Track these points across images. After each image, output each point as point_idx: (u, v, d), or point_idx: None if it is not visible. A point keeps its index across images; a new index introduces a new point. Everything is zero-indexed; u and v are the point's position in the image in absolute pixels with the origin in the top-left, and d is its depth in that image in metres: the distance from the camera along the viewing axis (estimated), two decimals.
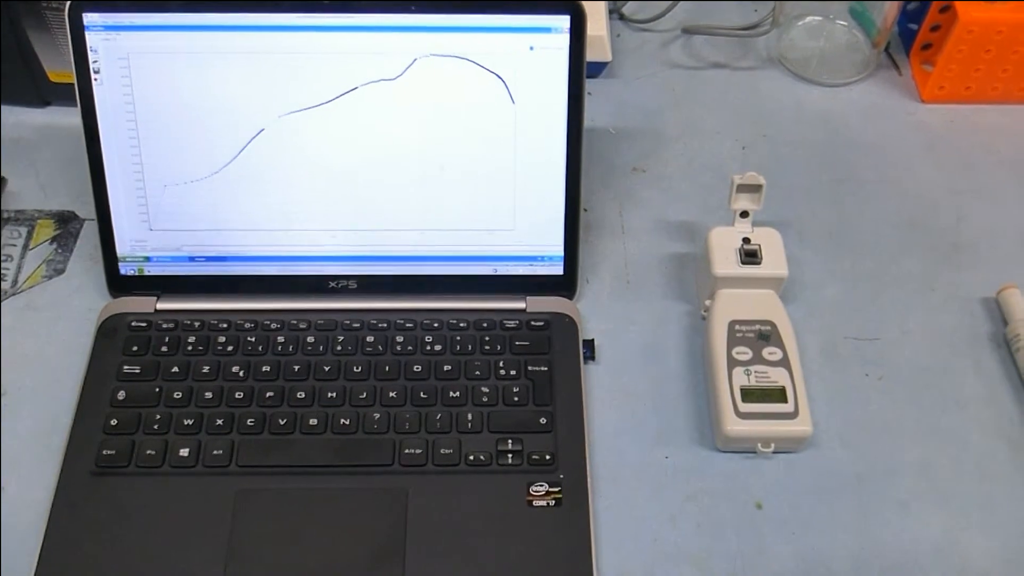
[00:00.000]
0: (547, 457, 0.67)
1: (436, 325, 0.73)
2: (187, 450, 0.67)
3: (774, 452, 0.69)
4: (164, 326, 0.73)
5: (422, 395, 0.70)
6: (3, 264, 0.78)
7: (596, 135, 0.89)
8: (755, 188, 0.73)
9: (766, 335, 0.71)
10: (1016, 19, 0.86)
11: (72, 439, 0.68)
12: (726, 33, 0.97)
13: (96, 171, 0.72)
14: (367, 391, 0.70)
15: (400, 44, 0.69)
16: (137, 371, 0.71)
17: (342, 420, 0.68)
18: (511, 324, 0.73)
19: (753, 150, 0.89)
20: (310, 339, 0.72)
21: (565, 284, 0.76)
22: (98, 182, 0.72)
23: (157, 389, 0.70)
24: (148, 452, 0.67)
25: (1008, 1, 0.86)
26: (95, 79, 0.70)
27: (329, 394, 0.70)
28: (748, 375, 0.69)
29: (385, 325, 0.73)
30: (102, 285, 0.75)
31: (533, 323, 0.74)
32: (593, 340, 0.74)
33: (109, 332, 0.73)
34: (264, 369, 0.71)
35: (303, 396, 0.70)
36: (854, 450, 0.70)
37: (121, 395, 0.69)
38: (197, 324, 0.73)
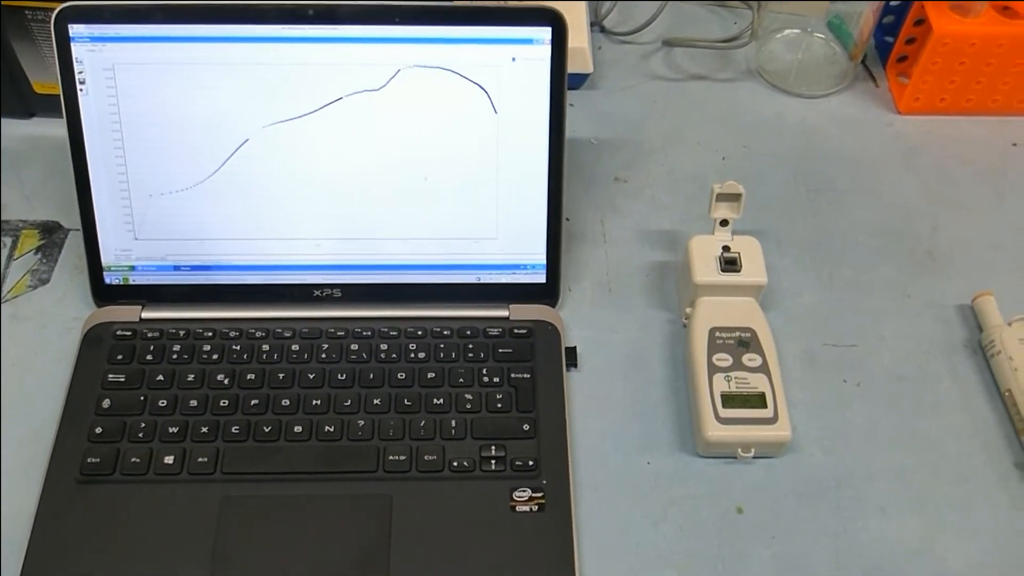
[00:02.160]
0: (530, 463, 0.68)
1: (420, 333, 0.74)
2: (172, 458, 0.67)
3: (754, 457, 0.70)
4: (149, 335, 0.73)
5: (406, 402, 0.70)
6: None
7: (578, 146, 0.90)
8: (735, 197, 0.74)
9: (746, 342, 0.72)
10: (988, 32, 0.87)
11: (57, 447, 0.68)
12: (706, 45, 0.98)
13: (81, 181, 0.72)
14: (351, 398, 0.70)
15: (384, 55, 0.70)
16: (122, 379, 0.71)
17: (327, 427, 0.69)
18: (494, 332, 0.74)
19: (733, 160, 0.90)
20: (295, 347, 0.73)
21: (548, 292, 0.77)
22: (83, 192, 0.72)
23: (142, 397, 0.70)
24: (133, 460, 0.67)
25: (982, 11, 0.88)
26: (80, 90, 0.70)
27: (314, 401, 0.70)
28: (728, 381, 0.70)
29: (369, 333, 0.74)
30: (87, 294, 0.76)
31: (516, 331, 0.74)
32: (575, 347, 0.75)
33: (94, 341, 0.73)
34: (249, 377, 0.71)
35: (288, 404, 0.70)
36: (833, 455, 0.71)
37: (106, 403, 0.70)
38: (182, 333, 0.73)
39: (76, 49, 0.69)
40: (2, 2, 0.79)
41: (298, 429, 0.69)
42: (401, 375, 0.72)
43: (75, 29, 0.69)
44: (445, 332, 0.74)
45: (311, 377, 0.71)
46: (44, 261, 0.80)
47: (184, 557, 0.63)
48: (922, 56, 0.90)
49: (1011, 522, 0.68)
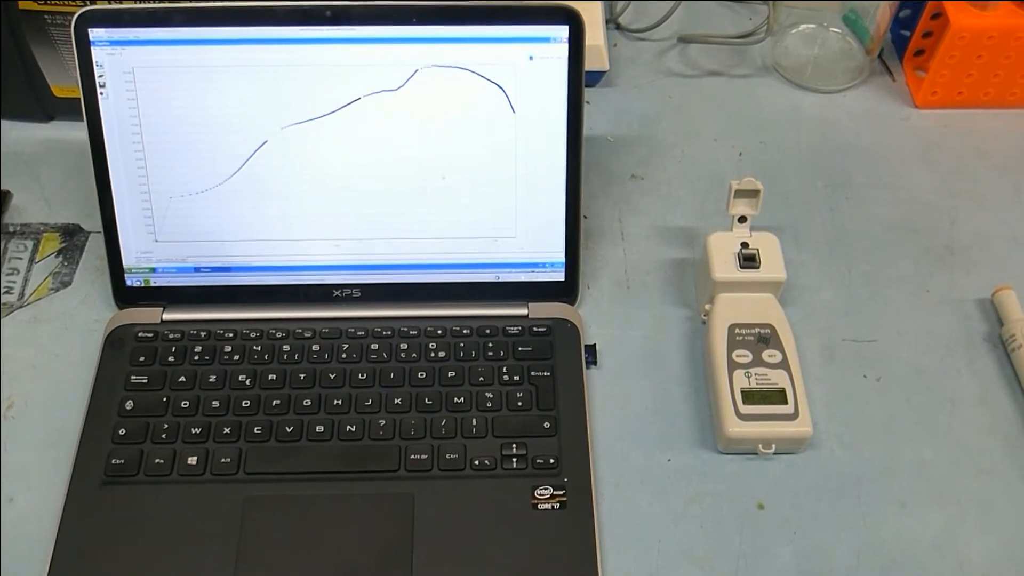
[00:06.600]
0: (551, 461, 0.68)
1: (440, 332, 0.74)
2: (195, 458, 0.68)
3: (775, 453, 0.70)
4: (171, 336, 0.74)
5: (427, 401, 0.70)
6: (9, 277, 0.79)
7: (595, 143, 0.90)
8: (753, 193, 0.74)
9: (766, 338, 0.72)
10: (1007, 25, 0.87)
11: (81, 449, 0.68)
12: (722, 41, 0.98)
13: (102, 184, 0.73)
14: (372, 398, 0.71)
15: (401, 55, 0.70)
16: (144, 381, 0.71)
17: (348, 427, 0.69)
18: (514, 330, 0.74)
19: (750, 156, 0.90)
20: (315, 347, 0.73)
21: (567, 290, 0.77)
22: (104, 194, 0.73)
23: (165, 398, 0.70)
24: (156, 461, 0.67)
25: (999, 4, 0.87)
26: (101, 93, 0.71)
27: (335, 401, 0.70)
28: (748, 377, 0.70)
29: (389, 333, 0.74)
30: (108, 297, 0.76)
31: (535, 329, 0.74)
32: (595, 345, 0.75)
33: (116, 343, 0.73)
34: (270, 377, 0.72)
35: (309, 404, 0.70)
36: (853, 450, 0.71)
37: (129, 405, 0.70)
38: (203, 334, 0.74)
39: (96, 53, 0.70)
40: (20, 6, 0.79)
41: (320, 429, 0.69)
42: (421, 374, 0.72)
43: (95, 33, 0.69)
44: (465, 331, 0.74)
45: (332, 377, 0.72)
46: (65, 264, 0.80)
47: (208, 557, 0.64)
48: (939, 50, 0.89)
49: None
